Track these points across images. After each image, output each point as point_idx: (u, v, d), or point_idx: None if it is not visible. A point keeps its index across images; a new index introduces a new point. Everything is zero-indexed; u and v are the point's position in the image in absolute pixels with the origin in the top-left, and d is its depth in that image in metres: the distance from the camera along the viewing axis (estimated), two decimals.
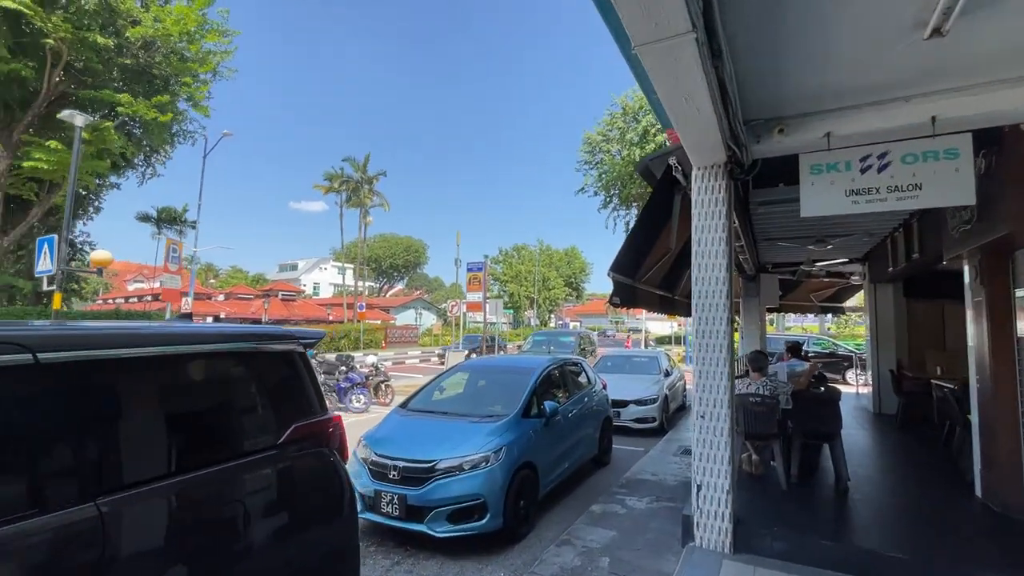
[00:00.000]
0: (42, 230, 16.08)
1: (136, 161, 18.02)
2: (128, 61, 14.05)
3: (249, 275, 63.36)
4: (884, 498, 4.80)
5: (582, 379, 6.85)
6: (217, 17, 15.90)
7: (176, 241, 17.78)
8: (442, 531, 4.02)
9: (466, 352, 20.63)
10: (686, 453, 6.88)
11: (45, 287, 9.57)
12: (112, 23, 13.59)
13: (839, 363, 15.93)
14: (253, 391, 2.32)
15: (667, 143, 5.83)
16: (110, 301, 41.64)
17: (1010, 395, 4.17)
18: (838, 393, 5.22)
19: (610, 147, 24.57)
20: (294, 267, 69.33)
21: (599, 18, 2.50)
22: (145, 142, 16.85)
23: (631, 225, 19.57)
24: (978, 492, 4.56)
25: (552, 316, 65.88)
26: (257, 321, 30.75)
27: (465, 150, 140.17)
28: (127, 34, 13.54)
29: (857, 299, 16.93)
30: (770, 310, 13.81)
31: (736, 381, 4.48)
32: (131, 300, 40.59)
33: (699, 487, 3.76)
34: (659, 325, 44.52)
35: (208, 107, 17.27)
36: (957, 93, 3.14)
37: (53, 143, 13.11)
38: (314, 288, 65.39)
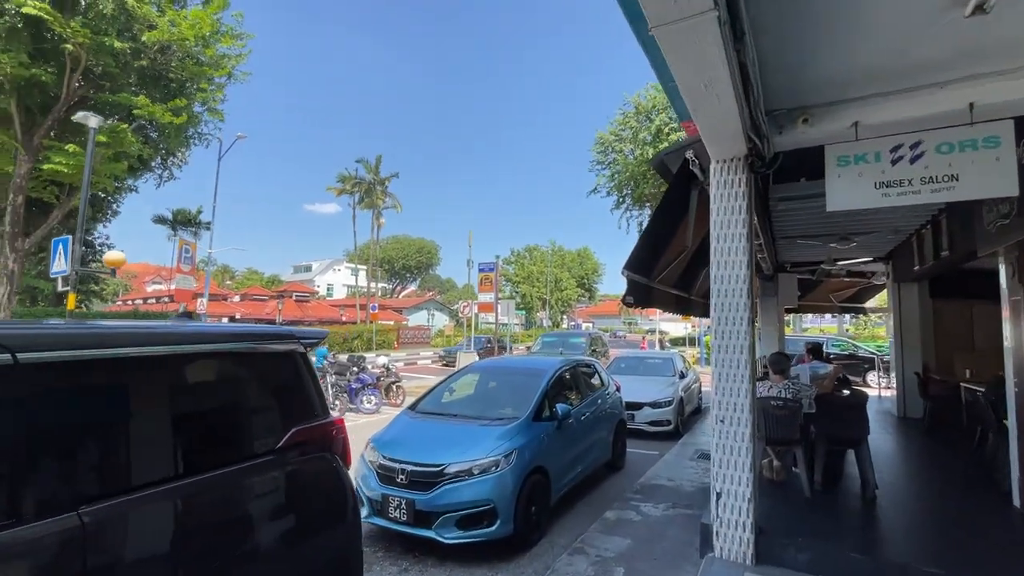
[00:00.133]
0: (63, 232, 16.37)
1: (153, 164, 18.27)
2: (144, 62, 14.23)
3: (264, 276, 64.16)
4: (915, 507, 4.57)
5: (595, 381, 6.69)
6: (231, 21, 16.07)
7: (188, 242, 17.96)
8: (451, 537, 3.90)
9: (476, 353, 20.51)
10: (703, 457, 6.68)
11: (60, 288, 9.69)
12: (129, 28, 13.78)
13: (859, 365, 15.54)
14: (250, 394, 2.22)
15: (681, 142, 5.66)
16: (129, 302, 42.51)
17: None
18: (865, 397, 4.99)
19: (623, 147, 24.35)
20: (308, 268, 70.02)
21: (604, 12, 2.37)
22: (161, 145, 17.08)
23: (644, 225, 19.36)
24: (1016, 502, 4.31)
25: (564, 317, 65.56)
26: (271, 322, 31.03)
27: (477, 151, 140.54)
28: (143, 38, 13.71)
29: (878, 300, 16.51)
30: (788, 311, 13.51)
31: (756, 384, 4.29)
32: (149, 301, 41.38)
33: (719, 495, 3.59)
34: (672, 326, 44.01)
35: (222, 112, 17.47)
36: (999, 77, 2.94)
37: (71, 146, 13.33)
38: (328, 289, 65.94)
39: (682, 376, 9.91)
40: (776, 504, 4.37)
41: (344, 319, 44.13)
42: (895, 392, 9.46)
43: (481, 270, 22.27)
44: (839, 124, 3.45)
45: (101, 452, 1.61)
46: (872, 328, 32.56)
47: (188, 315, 2.84)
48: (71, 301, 9.62)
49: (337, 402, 10.56)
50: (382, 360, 13.39)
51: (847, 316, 21.70)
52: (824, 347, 8.23)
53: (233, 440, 2.09)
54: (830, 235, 7.18)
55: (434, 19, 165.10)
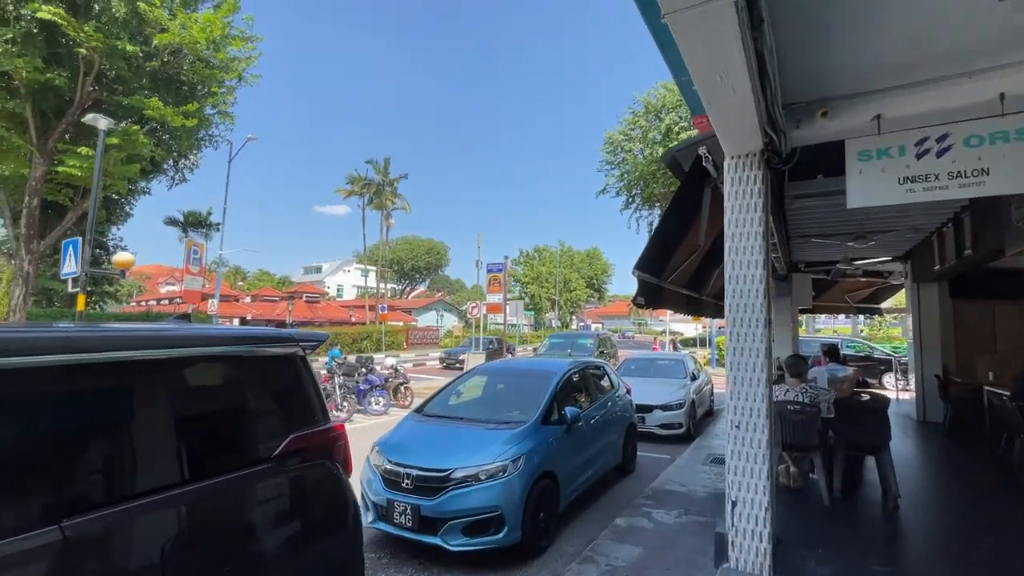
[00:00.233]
0: (77, 234, 16.58)
1: (165, 166, 18.46)
2: (156, 65, 14.37)
3: (276, 278, 64.71)
4: (939, 517, 4.39)
5: (605, 383, 6.56)
6: (242, 24, 16.18)
7: (197, 243, 18.08)
8: (457, 544, 3.81)
9: (484, 354, 20.42)
10: (716, 462, 6.52)
11: (70, 289, 9.76)
12: (141, 31, 13.93)
13: (876, 367, 15.21)
14: (247, 399, 2.14)
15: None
16: (143, 303, 43.10)
17: None
18: (887, 401, 4.82)
19: (632, 147, 24.17)
20: (318, 269, 70.47)
21: (615, 9, 2.26)
22: (173, 147, 17.25)
23: (654, 225, 19.13)
24: None
25: (574, 318, 65.28)
26: (282, 322, 31.22)
27: (477, 151, 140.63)
28: (155, 42, 13.84)
29: (894, 300, 16.13)
30: (801, 311, 13.23)
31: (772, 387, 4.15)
32: (163, 302, 41.89)
33: (734, 503, 3.45)
34: (682, 326, 43.59)
35: (233, 114, 17.61)
36: None
37: (85, 149, 13.50)
38: (338, 290, 66.30)
39: (694, 378, 9.72)
40: (793, 512, 4.22)
41: (354, 320, 44.32)
42: (914, 395, 9.20)
43: (489, 271, 22.18)
44: (860, 117, 3.29)
45: (88, 462, 1.54)
46: (887, 329, 31.90)
47: (185, 317, 2.77)
48: (80, 302, 9.69)
49: (345, 403, 10.52)
50: (391, 361, 13.36)
51: (861, 317, 21.21)
52: (840, 348, 8.05)
53: (229, 448, 2.01)
54: (847, 234, 6.98)
55: (435, 19, 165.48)
